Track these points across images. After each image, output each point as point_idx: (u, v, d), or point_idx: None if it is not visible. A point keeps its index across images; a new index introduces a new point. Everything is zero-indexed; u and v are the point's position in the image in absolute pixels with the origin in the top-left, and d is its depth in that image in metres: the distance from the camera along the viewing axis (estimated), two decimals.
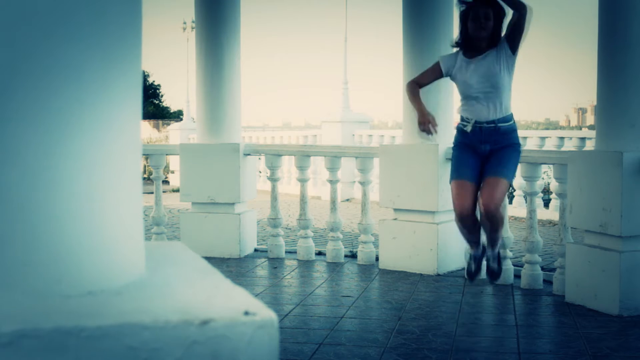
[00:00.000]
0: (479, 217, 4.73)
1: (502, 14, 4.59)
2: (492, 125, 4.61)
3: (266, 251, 7.58)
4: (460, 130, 4.71)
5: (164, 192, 8.68)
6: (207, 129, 7.53)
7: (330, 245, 7.30)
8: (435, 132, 4.63)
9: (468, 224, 4.74)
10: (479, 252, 4.93)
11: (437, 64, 4.77)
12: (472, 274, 4.99)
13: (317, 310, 5.32)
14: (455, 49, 4.76)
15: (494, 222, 4.64)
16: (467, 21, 4.60)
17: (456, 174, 4.70)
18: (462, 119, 4.71)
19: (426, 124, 4.58)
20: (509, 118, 4.67)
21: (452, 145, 4.86)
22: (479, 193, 4.64)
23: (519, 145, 4.74)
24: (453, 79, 4.75)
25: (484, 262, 5.00)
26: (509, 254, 6.29)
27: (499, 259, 4.98)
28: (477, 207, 4.67)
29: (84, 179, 1.39)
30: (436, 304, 5.35)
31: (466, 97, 4.67)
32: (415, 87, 4.78)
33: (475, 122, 4.62)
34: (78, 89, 1.37)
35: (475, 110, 4.62)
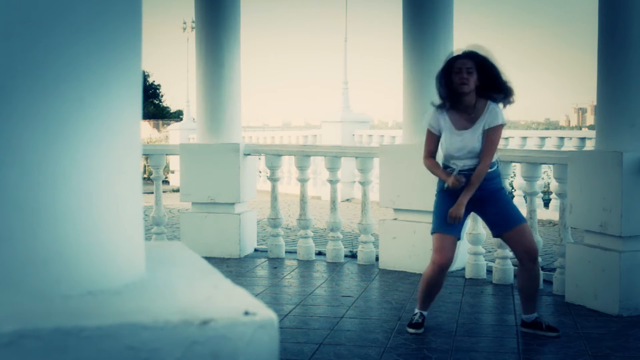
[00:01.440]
0: (519, 273, 4.69)
1: (490, 66, 4.46)
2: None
3: (266, 251, 7.58)
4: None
5: (164, 192, 8.68)
6: (207, 129, 7.54)
7: (330, 245, 7.30)
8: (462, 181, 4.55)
9: (440, 276, 4.65)
10: (425, 313, 4.78)
11: (429, 131, 4.66)
12: (417, 324, 4.71)
13: (317, 310, 5.32)
14: (434, 110, 4.63)
15: (536, 268, 4.60)
16: (450, 75, 4.46)
17: (440, 227, 4.61)
18: (445, 166, 4.62)
19: (454, 182, 4.50)
20: (493, 164, 4.57)
21: (436, 190, 4.71)
22: (515, 245, 4.59)
23: (503, 189, 4.68)
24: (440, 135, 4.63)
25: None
26: (509, 254, 6.29)
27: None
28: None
29: (84, 179, 1.39)
30: (436, 304, 5.34)
31: (447, 155, 4.59)
32: (431, 159, 4.70)
33: (459, 171, 4.53)
34: (77, 88, 1.37)
35: (457, 163, 4.55)
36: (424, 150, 4.74)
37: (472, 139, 4.51)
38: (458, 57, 4.50)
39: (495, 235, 4.74)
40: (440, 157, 4.71)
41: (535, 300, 4.72)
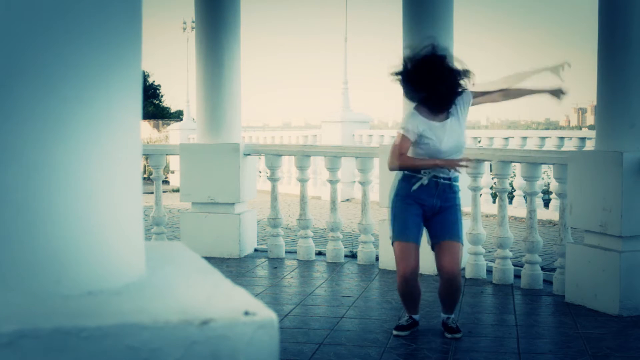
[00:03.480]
0: (442, 284, 4.62)
1: None
2: (448, 182, 4.48)
3: (266, 251, 7.58)
4: (410, 181, 4.49)
5: (164, 192, 8.68)
6: (207, 129, 7.54)
7: (330, 245, 7.30)
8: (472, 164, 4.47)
9: (411, 285, 4.54)
10: (417, 317, 4.71)
11: (405, 137, 4.45)
12: (402, 327, 4.66)
13: (317, 310, 5.32)
14: (412, 113, 4.50)
15: (456, 285, 4.52)
16: (436, 76, 4.33)
17: (402, 235, 4.49)
18: (417, 170, 4.49)
19: (460, 163, 4.40)
20: (458, 177, 4.57)
21: (394, 195, 4.57)
22: (438, 258, 4.51)
23: (459, 206, 4.58)
24: (418, 142, 4.47)
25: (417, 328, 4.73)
26: (509, 254, 6.30)
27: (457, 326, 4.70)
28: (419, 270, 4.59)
29: (84, 179, 1.39)
30: (436, 304, 5.34)
31: (429, 154, 4.45)
32: (406, 155, 4.46)
33: (433, 175, 4.45)
34: (77, 87, 1.37)
35: (438, 161, 4.43)
36: (394, 152, 4.47)
37: (453, 126, 4.46)
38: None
39: (431, 244, 4.59)
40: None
41: (447, 306, 4.66)
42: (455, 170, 4.48)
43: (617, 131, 5.20)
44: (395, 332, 4.64)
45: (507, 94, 4.68)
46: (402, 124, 4.54)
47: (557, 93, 4.71)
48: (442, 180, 4.48)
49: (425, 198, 4.48)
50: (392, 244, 4.57)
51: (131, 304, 1.33)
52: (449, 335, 4.58)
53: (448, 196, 4.51)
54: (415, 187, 4.48)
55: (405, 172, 4.53)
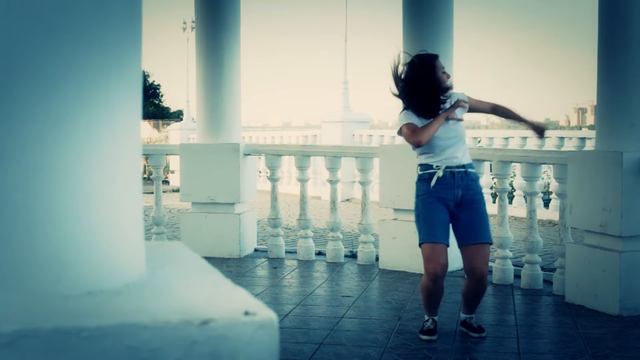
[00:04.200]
0: (464, 284, 4.70)
1: None
2: (463, 169, 4.47)
3: (266, 251, 7.58)
4: (428, 179, 4.50)
5: (164, 192, 8.68)
6: (207, 129, 7.54)
7: (330, 245, 7.30)
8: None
9: (439, 285, 4.52)
10: (437, 318, 4.69)
11: (410, 123, 4.50)
12: (430, 330, 4.60)
13: (317, 310, 5.32)
14: (405, 112, 4.56)
15: (484, 286, 4.57)
16: (434, 75, 4.46)
17: (430, 236, 4.45)
18: (429, 167, 4.51)
19: (455, 108, 4.50)
20: (473, 164, 4.60)
21: (416, 197, 4.59)
22: (469, 261, 4.49)
23: (483, 197, 4.60)
24: None
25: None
26: (509, 254, 6.30)
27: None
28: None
29: (84, 179, 1.39)
30: None
31: (432, 148, 4.48)
32: (420, 128, 4.47)
33: (446, 167, 4.46)
34: (77, 87, 1.37)
35: (445, 156, 4.47)
36: (411, 133, 4.46)
37: (455, 125, 4.52)
38: (436, 56, 4.59)
39: (459, 245, 4.57)
40: (417, 160, 4.64)
41: (472, 307, 4.71)
42: (455, 109, 4.51)
43: (617, 131, 5.20)
44: (424, 337, 4.55)
45: (497, 109, 4.82)
46: (400, 122, 4.58)
47: (540, 131, 4.81)
48: (456, 169, 4.47)
49: (446, 192, 4.46)
50: (420, 245, 4.50)
51: (131, 304, 1.33)
52: (475, 335, 4.61)
53: (469, 185, 4.49)
54: (433, 182, 4.47)
55: (420, 171, 4.56)
